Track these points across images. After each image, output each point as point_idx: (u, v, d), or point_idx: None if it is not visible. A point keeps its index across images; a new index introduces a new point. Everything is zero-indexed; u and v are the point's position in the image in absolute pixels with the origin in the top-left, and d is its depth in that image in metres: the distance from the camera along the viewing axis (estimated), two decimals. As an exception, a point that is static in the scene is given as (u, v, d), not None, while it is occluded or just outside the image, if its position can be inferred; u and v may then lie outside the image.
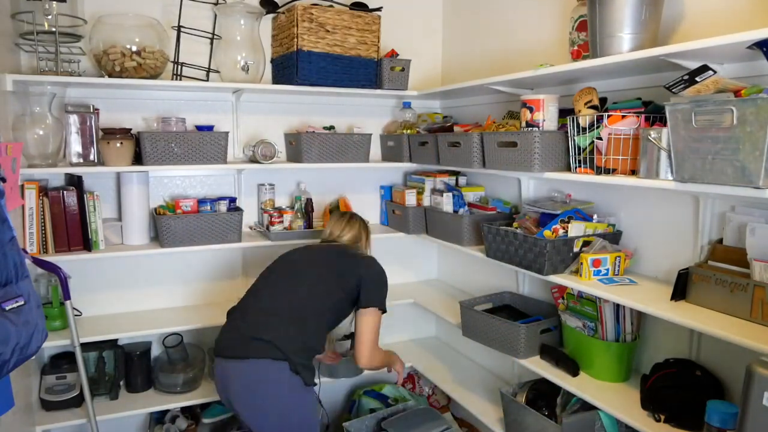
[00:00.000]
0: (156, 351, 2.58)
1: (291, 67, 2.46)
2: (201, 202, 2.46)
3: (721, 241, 1.64)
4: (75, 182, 2.24)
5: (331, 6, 2.49)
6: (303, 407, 1.89)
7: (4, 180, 1.43)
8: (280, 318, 1.90)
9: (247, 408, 1.84)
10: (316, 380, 1.95)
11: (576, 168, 1.83)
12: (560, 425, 1.84)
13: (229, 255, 2.70)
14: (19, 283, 1.28)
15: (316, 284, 2.00)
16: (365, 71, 2.59)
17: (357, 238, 2.27)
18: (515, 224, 2.12)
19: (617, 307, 1.87)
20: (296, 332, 1.88)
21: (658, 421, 1.62)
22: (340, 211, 2.41)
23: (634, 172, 1.66)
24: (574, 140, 1.81)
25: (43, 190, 2.18)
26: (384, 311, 2.08)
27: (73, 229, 2.21)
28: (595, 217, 1.99)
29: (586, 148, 1.77)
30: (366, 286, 2.04)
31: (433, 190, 2.70)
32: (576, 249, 1.90)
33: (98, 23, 2.18)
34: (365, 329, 2.04)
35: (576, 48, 1.95)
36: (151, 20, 2.26)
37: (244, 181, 2.70)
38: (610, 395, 1.79)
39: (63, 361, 2.32)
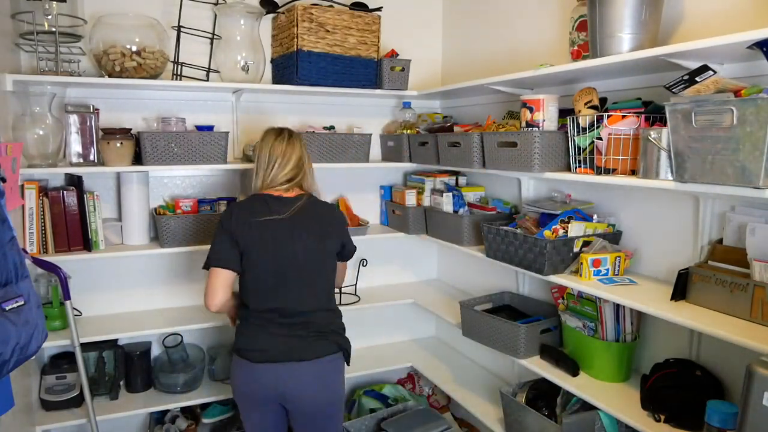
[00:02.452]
0: (156, 351, 2.57)
1: (291, 67, 2.46)
2: (201, 202, 2.46)
3: (721, 241, 1.64)
4: (75, 182, 2.24)
5: (331, 6, 2.49)
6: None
7: (4, 180, 1.43)
8: (316, 304, 1.92)
9: (310, 402, 1.88)
10: None
11: (576, 168, 1.83)
12: (560, 425, 1.84)
13: (229, 255, 2.69)
14: (19, 283, 1.28)
15: (315, 258, 1.92)
16: (365, 71, 2.59)
17: (297, 172, 1.96)
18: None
19: (617, 307, 1.87)
20: (330, 312, 1.97)
21: (658, 421, 1.62)
22: (273, 131, 2.03)
23: (634, 172, 1.66)
24: (574, 140, 1.80)
25: (43, 190, 2.18)
26: None
27: (73, 229, 2.21)
28: (595, 217, 1.99)
29: (586, 148, 1.77)
30: (348, 241, 2.05)
31: (433, 190, 2.70)
32: (576, 249, 1.90)
33: (98, 23, 2.18)
34: (342, 277, 2.18)
35: (576, 48, 1.95)
36: (151, 20, 2.26)
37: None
38: (610, 395, 1.79)
39: (63, 361, 2.32)
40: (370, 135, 2.69)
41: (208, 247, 2.36)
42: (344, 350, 1.96)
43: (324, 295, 1.95)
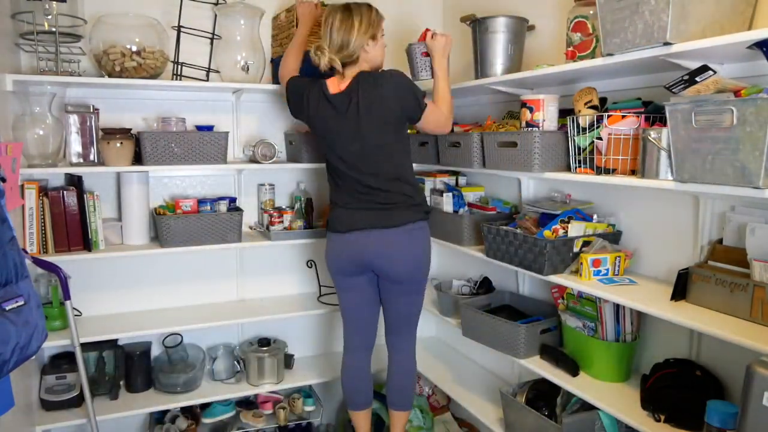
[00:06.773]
0: (156, 351, 2.58)
1: (291, 67, 2.45)
2: (201, 202, 2.46)
3: (721, 241, 1.64)
4: (75, 182, 2.24)
5: (331, 6, 2.49)
6: None
7: (4, 180, 1.43)
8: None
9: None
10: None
11: (576, 168, 1.83)
12: (560, 425, 1.84)
13: (229, 255, 2.70)
14: (19, 283, 1.28)
15: None
16: (365, 71, 2.58)
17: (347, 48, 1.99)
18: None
19: (617, 307, 1.87)
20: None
21: (658, 421, 1.62)
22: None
23: (634, 172, 1.66)
24: (574, 140, 1.81)
25: (43, 190, 2.18)
26: None
27: (73, 229, 2.21)
28: (595, 217, 1.99)
29: (586, 148, 1.77)
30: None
31: (433, 190, 2.69)
32: (576, 249, 1.89)
33: (98, 23, 2.18)
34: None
35: (571, 49, 1.94)
36: (151, 20, 2.26)
37: (244, 181, 2.70)
38: (610, 395, 1.79)
39: (63, 361, 2.32)
40: (370, 135, 2.68)
41: (209, 247, 2.40)
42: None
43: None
